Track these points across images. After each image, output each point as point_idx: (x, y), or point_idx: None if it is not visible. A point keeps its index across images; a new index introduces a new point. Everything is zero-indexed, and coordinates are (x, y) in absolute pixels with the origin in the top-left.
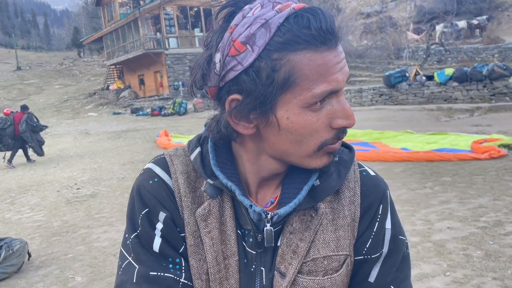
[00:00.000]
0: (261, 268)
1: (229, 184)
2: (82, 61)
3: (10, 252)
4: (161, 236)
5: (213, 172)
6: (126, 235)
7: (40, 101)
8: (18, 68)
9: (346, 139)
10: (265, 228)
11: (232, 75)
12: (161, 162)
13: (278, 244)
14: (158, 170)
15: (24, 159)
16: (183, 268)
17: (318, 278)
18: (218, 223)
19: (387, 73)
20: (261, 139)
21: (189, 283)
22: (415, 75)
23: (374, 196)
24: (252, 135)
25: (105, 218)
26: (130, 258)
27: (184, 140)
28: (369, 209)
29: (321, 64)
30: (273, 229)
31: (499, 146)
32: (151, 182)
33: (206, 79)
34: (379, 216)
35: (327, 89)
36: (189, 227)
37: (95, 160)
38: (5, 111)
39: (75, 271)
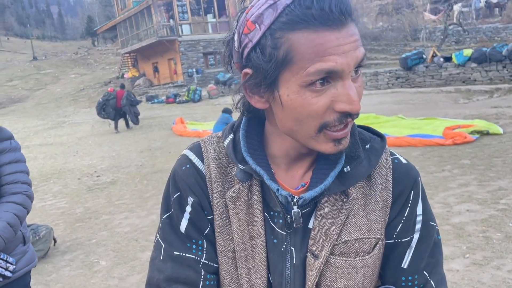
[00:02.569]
0: (291, 248)
1: (258, 169)
2: (97, 50)
3: (37, 238)
4: (188, 219)
5: (244, 157)
6: (161, 216)
7: (56, 90)
8: (34, 58)
9: None
10: (292, 211)
11: (246, 52)
12: (196, 148)
13: (310, 226)
14: (192, 156)
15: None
16: (204, 249)
17: (350, 259)
18: (246, 206)
19: (403, 55)
20: (274, 115)
21: (210, 263)
22: (433, 56)
23: (406, 183)
24: (272, 111)
25: (125, 204)
26: (159, 237)
27: (200, 127)
28: (401, 195)
29: (318, 44)
30: (301, 211)
31: (471, 132)
32: (183, 168)
33: (232, 56)
34: (410, 202)
35: (322, 68)
36: (218, 209)
37: (113, 148)
38: (108, 89)
39: (99, 256)
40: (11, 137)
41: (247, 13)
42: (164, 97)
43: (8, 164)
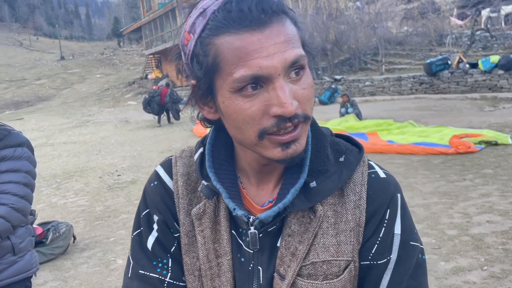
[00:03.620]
0: (259, 267)
1: (218, 186)
2: (122, 51)
3: (57, 234)
4: (155, 237)
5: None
6: (132, 232)
7: (82, 90)
8: (62, 58)
9: (349, 128)
10: (249, 232)
11: (189, 62)
12: (166, 164)
13: (278, 245)
14: (161, 172)
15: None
16: (170, 268)
17: (317, 282)
18: (212, 223)
19: (428, 61)
20: None
21: (175, 282)
22: (458, 62)
23: (381, 200)
24: None
25: None
26: (130, 254)
27: None
28: (376, 213)
29: (238, 47)
30: (268, 228)
31: (479, 142)
32: (152, 185)
33: (185, 71)
34: (386, 221)
35: (247, 74)
36: (184, 227)
37: (135, 148)
38: (154, 87)
39: (117, 254)
40: (19, 144)
41: (186, 24)
42: (185, 99)
43: (4, 173)
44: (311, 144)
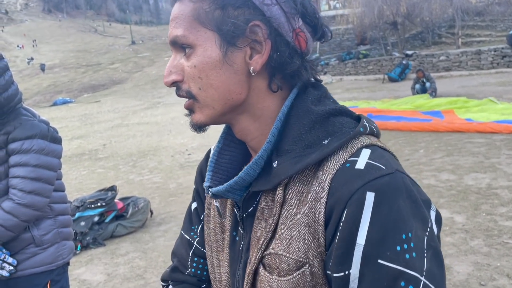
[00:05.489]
0: (243, 248)
1: (210, 159)
2: None
3: (136, 209)
4: (195, 205)
5: None
6: None
7: (152, 73)
8: (133, 43)
9: (419, 107)
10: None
11: None
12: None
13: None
14: (213, 146)
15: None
16: (198, 233)
17: (270, 276)
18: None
19: (511, 32)
20: None
21: (200, 247)
22: None
23: (339, 196)
24: None
25: None
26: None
27: None
28: (332, 211)
29: None
30: (247, 210)
31: None
32: (202, 159)
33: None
34: (341, 223)
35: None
36: (206, 199)
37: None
38: None
39: None
40: (28, 137)
41: None
42: None
43: (13, 167)
44: (282, 120)
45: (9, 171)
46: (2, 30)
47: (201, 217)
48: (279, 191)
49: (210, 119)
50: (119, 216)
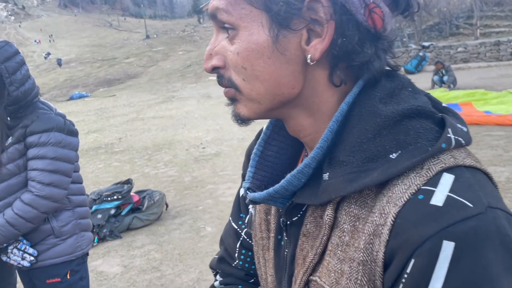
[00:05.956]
0: (287, 258)
1: (253, 154)
2: (202, 27)
3: (152, 202)
4: (243, 191)
5: None
6: None
7: (166, 67)
8: (147, 37)
9: (441, 99)
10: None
11: None
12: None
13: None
14: (263, 129)
15: None
16: (246, 223)
17: None
18: None
19: None
20: None
21: (247, 239)
22: None
23: (406, 239)
24: None
25: (228, 175)
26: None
27: None
28: (394, 255)
29: None
30: (292, 218)
31: None
32: (253, 140)
33: None
34: (405, 275)
35: None
36: None
37: (217, 122)
38: None
39: (206, 222)
40: (45, 130)
41: None
42: None
43: (32, 160)
44: (339, 121)
45: (27, 164)
46: (20, 25)
47: (249, 207)
48: (329, 211)
49: (255, 114)
50: (135, 209)
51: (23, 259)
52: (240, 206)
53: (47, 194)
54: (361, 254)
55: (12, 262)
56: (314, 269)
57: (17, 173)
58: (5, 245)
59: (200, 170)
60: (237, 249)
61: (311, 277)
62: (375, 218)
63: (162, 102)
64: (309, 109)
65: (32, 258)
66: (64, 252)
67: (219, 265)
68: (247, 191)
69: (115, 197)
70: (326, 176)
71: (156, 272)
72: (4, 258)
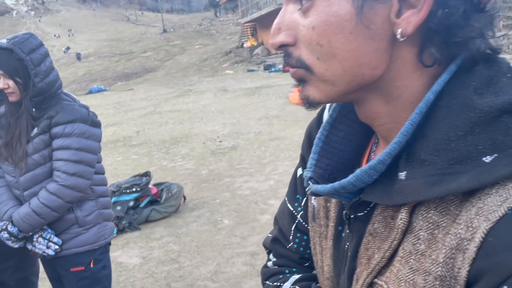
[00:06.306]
0: (348, 252)
1: (317, 138)
2: (218, 21)
3: (170, 194)
4: (300, 172)
5: None
6: None
7: (183, 60)
8: (164, 31)
9: None
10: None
11: None
12: None
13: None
14: (328, 106)
15: None
16: (302, 206)
17: None
18: None
19: None
20: None
21: (303, 223)
22: None
23: (498, 262)
24: None
25: (245, 169)
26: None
27: None
28: (480, 277)
29: None
30: (357, 212)
31: None
32: (314, 118)
33: None
34: None
35: None
36: None
37: (234, 115)
38: None
39: (223, 215)
40: (70, 121)
41: None
42: (281, 66)
43: (56, 150)
44: (423, 113)
45: (52, 154)
46: (39, 20)
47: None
48: (403, 215)
49: (327, 98)
50: (153, 201)
51: (48, 247)
52: (296, 187)
53: (71, 184)
54: (440, 268)
55: (37, 250)
56: (379, 272)
57: (42, 163)
58: (30, 234)
59: (217, 163)
60: (292, 232)
61: (375, 280)
62: (460, 231)
63: (179, 96)
64: (388, 95)
65: (56, 247)
66: (87, 241)
67: (273, 246)
68: (309, 181)
69: (134, 189)
70: (402, 175)
71: (174, 263)
72: (29, 247)
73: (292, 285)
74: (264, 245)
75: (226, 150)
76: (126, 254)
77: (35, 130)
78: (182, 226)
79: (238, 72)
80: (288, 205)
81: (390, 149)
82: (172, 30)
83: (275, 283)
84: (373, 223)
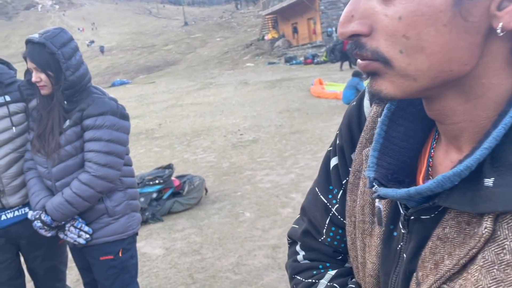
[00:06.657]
0: (404, 254)
1: (376, 134)
2: (239, 13)
3: (192, 186)
4: (336, 161)
5: None
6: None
7: (204, 53)
8: (185, 24)
9: None
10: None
11: None
12: None
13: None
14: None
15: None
16: (338, 199)
17: None
18: None
19: None
20: None
21: (339, 216)
22: None
23: None
24: None
25: (266, 162)
26: (320, 166)
27: (338, 88)
28: None
29: None
30: (422, 215)
31: None
32: (352, 104)
33: None
34: None
35: None
36: (355, 163)
37: (254, 108)
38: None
39: (244, 207)
40: (101, 114)
41: None
42: (302, 58)
43: (88, 142)
44: None
45: (84, 145)
46: (64, 14)
47: (343, 181)
48: (488, 223)
49: (404, 94)
50: (176, 193)
51: (79, 236)
52: (330, 178)
53: (103, 174)
54: None
55: (68, 239)
56: (448, 278)
57: (74, 155)
58: (63, 223)
59: (238, 156)
60: (326, 225)
61: (444, 286)
62: None
63: (200, 88)
64: (470, 92)
65: (87, 236)
66: (116, 230)
67: (303, 239)
68: (373, 183)
69: (156, 181)
70: (489, 182)
71: (197, 255)
72: (61, 236)
73: (329, 282)
74: (290, 236)
75: (247, 143)
76: (150, 245)
77: (67, 122)
78: (204, 218)
79: (258, 64)
80: (321, 196)
81: (479, 154)
82: (193, 23)
83: (310, 280)
84: (444, 228)
